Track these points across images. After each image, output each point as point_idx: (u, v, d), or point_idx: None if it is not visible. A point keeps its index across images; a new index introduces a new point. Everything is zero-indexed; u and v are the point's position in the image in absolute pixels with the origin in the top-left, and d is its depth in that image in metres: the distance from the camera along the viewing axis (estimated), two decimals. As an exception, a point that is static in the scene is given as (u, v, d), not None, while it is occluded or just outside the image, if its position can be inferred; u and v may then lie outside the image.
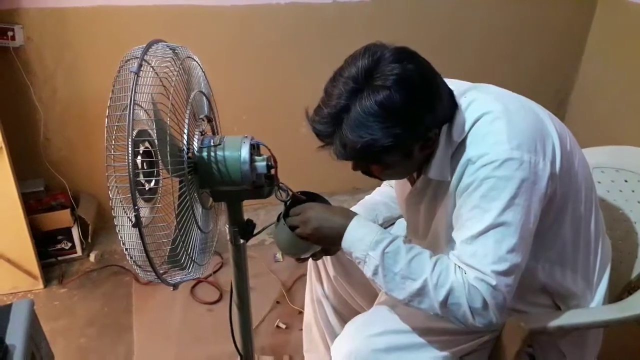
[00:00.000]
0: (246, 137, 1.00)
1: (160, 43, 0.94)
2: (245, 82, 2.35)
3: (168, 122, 0.89)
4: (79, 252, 2.23)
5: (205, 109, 1.10)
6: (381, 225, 1.32)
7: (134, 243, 0.87)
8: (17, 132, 2.03)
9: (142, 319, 1.93)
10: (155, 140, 0.89)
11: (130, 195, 0.81)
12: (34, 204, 2.10)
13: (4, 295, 2.04)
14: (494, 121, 0.95)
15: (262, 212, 2.49)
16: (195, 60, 1.07)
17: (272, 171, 1.02)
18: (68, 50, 2.08)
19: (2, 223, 1.92)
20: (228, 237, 1.16)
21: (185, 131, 0.94)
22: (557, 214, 1.01)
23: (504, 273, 0.91)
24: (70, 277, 2.14)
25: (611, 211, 1.33)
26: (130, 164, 0.80)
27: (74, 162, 2.27)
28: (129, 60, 0.89)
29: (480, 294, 0.91)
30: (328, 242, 1.05)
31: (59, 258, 2.19)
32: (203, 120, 1.07)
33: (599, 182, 1.35)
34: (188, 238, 0.95)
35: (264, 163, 1.00)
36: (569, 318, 1.08)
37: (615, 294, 1.26)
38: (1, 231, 1.93)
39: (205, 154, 0.98)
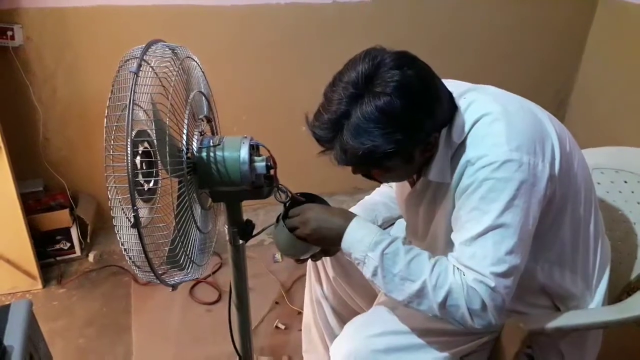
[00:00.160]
0: (245, 137, 1.00)
1: (159, 43, 0.94)
2: (244, 83, 2.35)
3: (167, 122, 0.89)
4: (78, 252, 2.23)
5: (205, 109, 1.10)
6: (381, 225, 1.32)
7: (133, 243, 0.87)
8: (17, 132, 2.03)
9: (141, 320, 1.92)
10: (155, 141, 0.89)
11: (129, 195, 0.81)
12: (33, 204, 2.10)
13: (2, 295, 2.03)
14: (493, 122, 0.95)
15: (262, 212, 2.49)
16: (194, 60, 1.07)
17: (272, 172, 1.02)
18: (67, 50, 2.08)
19: (1, 223, 1.92)
20: (227, 238, 1.15)
21: (185, 131, 0.94)
22: (556, 215, 1.01)
23: (503, 275, 0.91)
24: (69, 277, 2.14)
25: (610, 212, 1.33)
26: (129, 164, 0.80)
27: (73, 162, 2.27)
28: (128, 60, 0.88)
29: (478, 295, 0.91)
30: (327, 243, 1.05)
31: (58, 258, 2.19)
32: (202, 121, 1.07)
33: (599, 183, 1.35)
34: (187, 238, 0.95)
35: (264, 163, 1.00)
36: (568, 319, 1.08)
37: (615, 295, 1.26)
38: (0, 231, 1.93)
39: (204, 154, 0.98)
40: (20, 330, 1.19)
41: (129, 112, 0.79)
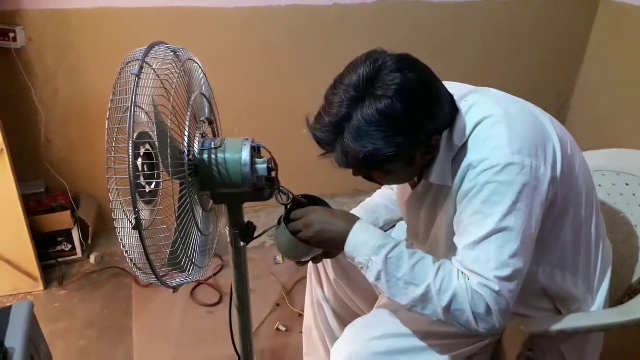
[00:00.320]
0: (247, 139, 1.00)
1: (161, 45, 0.94)
2: (246, 84, 2.35)
3: (169, 124, 0.89)
4: (79, 254, 2.23)
5: (206, 111, 1.10)
6: (382, 228, 1.32)
7: (134, 245, 0.87)
8: (18, 133, 2.04)
9: (142, 321, 1.92)
10: (156, 143, 0.89)
11: (130, 197, 0.81)
12: (34, 206, 2.10)
13: (3, 297, 2.03)
14: (494, 125, 0.95)
15: (263, 214, 2.49)
16: (196, 62, 1.07)
17: (273, 174, 1.02)
18: (69, 51, 2.08)
19: (2, 224, 1.92)
20: (228, 240, 1.15)
21: (186, 133, 0.94)
22: (557, 217, 1.01)
23: (507, 279, 0.91)
24: (70, 279, 2.14)
25: (612, 214, 1.33)
26: (131, 166, 0.80)
27: (74, 164, 2.27)
28: (130, 62, 0.89)
29: (483, 299, 0.91)
30: (330, 246, 1.05)
31: (59, 260, 2.19)
32: (204, 123, 1.07)
33: (600, 186, 1.35)
34: (188, 240, 0.95)
35: (265, 165, 1.00)
36: (569, 322, 1.08)
37: (616, 298, 1.26)
38: (1, 232, 1.93)
39: (206, 156, 0.98)
40: (22, 332, 1.19)
41: (130, 114, 0.79)
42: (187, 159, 0.94)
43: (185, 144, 0.94)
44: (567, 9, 2.59)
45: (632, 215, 1.31)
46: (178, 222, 0.91)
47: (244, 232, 1.13)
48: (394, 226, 1.38)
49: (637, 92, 2.40)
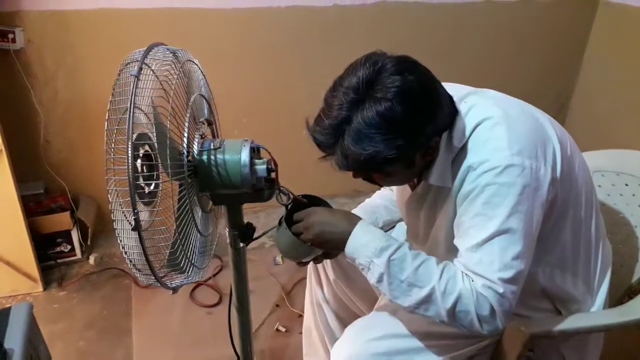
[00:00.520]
0: (246, 140, 1.00)
1: (160, 46, 0.94)
2: (245, 85, 2.35)
3: (168, 125, 0.89)
4: (79, 255, 2.23)
5: (206, 112, 1.10)
6: (381, 228, 1.32)
7: (134, 246, 0.87)
8: (17, 134, 2.03)
9: (142, 322, 1.92)
10: (155, 144, 0.89)
11: (130, 198, 0.81)
12: (33, 207, 2.10)
13: (3, 298, 2.03)
14: (494, 127, 0.95)
15: (263, 215, 2.49)
16: (195, 63, 1.07)
17: (273, 174, 1.02)
18: (68, 52, 2.08)
19: (1, 225, 1.91)
20: (228, 241, 1.15)
21: (185, 134, 0.94)
22: (557, 218, 1.01)
23: (510, 280, 0.91)
24: (69, 279, 2.14)
25: (612, 215, 1.33)
26: (130, 167, 0.80)
27: (74, 165, 2.27)
28: (129, 63, 0.88)
29: (488, 301, 0.91)
30: (331, 247, 1.05)
31: (59, 261, 2.18)
32: (203, 124, 1.07)
33: (600, 186, 1.35)
34: (188, 241, 0.95)
35: (264, 166, 1.00)
36: (569, 322, 1.08)
37: (616, 298, 1.26)
38: (0, 233, 1.93)
39: (205, 157, 0.98)
40: (21, 333, 1.19)
41: (129, 115, 0.79)
42: (186, 160, 0.94)
43: (185, 145, 0.94)
44: (567, 10, 2.59)
45: (631, 215, 1.31)
46: (177, 223, 0.91)
47: (244, 233, 1.13)
48: (394, 227, 1.38)
49: (636, 93, 2.40)
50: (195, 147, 0.98)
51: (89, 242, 2.28)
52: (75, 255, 2.22)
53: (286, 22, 2.28)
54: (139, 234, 0.82)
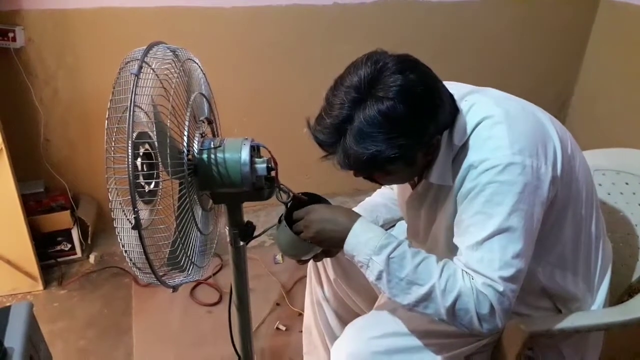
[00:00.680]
0: (246, 139, 1.00)
1: (160, 45, 0.94)
2: (245, 84, 2.35)
3: (168, 124, 0.89)
4: (79, 254, 2.23)
5: (206, 110, 1.10)
6: (381, 227, 1.32)
7: (134, 245, 0.86)
8: (18, 133, 2.03)
9: (142, 321, 1.92)
10: (155, 142, 0.88)
11: (130, 197, 0.81)
12: (33, 205, 2.10)
13: (3, 296, 2.03)
14: (494, 125, 0.95)
15: (263, 213, 2.49)
16: (195, 62, 1.07)
17: (273, 173, 1.02)
18: (69, 51, 2.08)
19: (1, 224, 1.92)
20: (228, 239, 1.15)
21: (186, 133, 0.94)
22: (557, 216, 1.01)
23: (510, 279, 0.91)
24: (69, 278, 2.14)
25: (612, 214, 1.33)
26: (130, 166, 0.80)
27: (74, 164, 2.27)
28: (129, 62, 0.88)
29: (488, 299, 0.91)
30: (330, 245, 1.05)
31: (59, 259, 2.19)
32: (203, 122, 1.06)
33: (600, 185, 1.35)
34: (188, 240, 0.95)
35: (264, 165, 1.00)
36: (570, 321, 1.08)
37: (616, 297, 1.26)
38: (1, 232, 1.93)
39: (205, 156, 0.98)
40: (21, 332, 1.19)
41: (129, 114, 0.79)
42: (186, 158, 0.94)
43: (185, 144, 0.94)
44: (568, 8, 2.58)
45: (632, 214, 1.31)
46: (177, 221, 0.91)
47: (244, 231, 1.13)
48: (394, 225, 1.38)
49: (637, 92, 2.40)
50: (196, 146, 0.98)
51: (89, 241, 2.28)
52: (75, 254, 2.22)
53: (286, 20, 2.27)
54: (139, 233, 0.82)
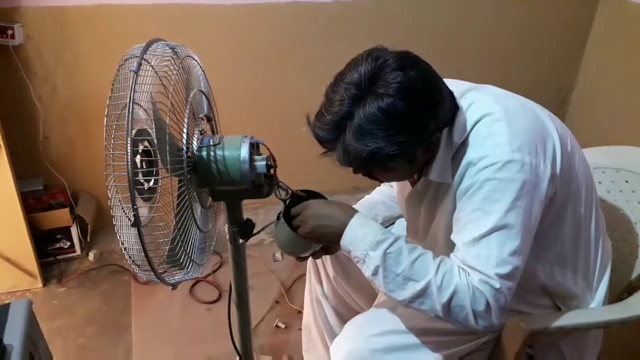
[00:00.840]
0: (246, 136, 1.00)
1: (159, 42, 0.94)
2: (245, 81, 2.35)
3: (167, 121, 0.89)
4: (78, 251, 2.22)
5: (205, 108, 1.10)
6: (381, 224, 1.32)
7: (133, 242, 0.86)
8: (16, 130, 2.03)
9: (141, 319, 1.92)
10: (155, 140, 0.88)
11: (129, 194, 0.81)
12: (33, 203, 2.10)
13: (2, 294, 2.03)
14: (494, 123, 0.95)
15: (262, 211, 2.48)
16: (194, 59, 1.06)
17: (272, 171, 1.02)
18: (68, 48, 2.07)
19: (1, 222, 1.91)
20: (227, 237, 1.15)
21: (185, 130, 0.94)
22: (557, 214, 1.01)
23: (507, 276, 0.91)
24: (69, 276, 2.14)
25: (611, 212, 1.33)
26: (130, 163, 0.80)
27: (73, 161, 2.27)
28: (128, 59, 0.88)
29: (484, 296, 0.91)
30: (328, 240, 1.04)
31: (58, 257, 2.18)
32: (202, 120, 1.06)
33: (600, 183, 1.35)
34: (187, 237, 0.95)
35: (264, 162, 1.00)
36: (569, 319, 1.08)
37: (615, 295, 1.26)
38: (0, 230, 1.93)
39: (204, 153, 0.98)
40: (20, 329, 1.19)
41: (129, 111, 0.79)
42: (185, 156, 0.94)
43: (184, 141, 0.94)
44: (567, 7, 2.58)
45: (631, 212, 1.31)
46: (177, 219, 0.91)
47: (243, 229, 1.13)
48: (393, 223, 1.38)
49: (636, 90, 2.40)
50: (195, 143, 0.98)
51: (88, 239, 2.27)
52: (74, 251, 2.22)
53: (286, 17, 2.27)
54: (139, 230, 0.82)
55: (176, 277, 0.98)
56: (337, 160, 0.94)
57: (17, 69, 2.01)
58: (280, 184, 1.05)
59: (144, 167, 0.92)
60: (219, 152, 0.98)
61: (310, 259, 1.40)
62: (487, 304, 0.91)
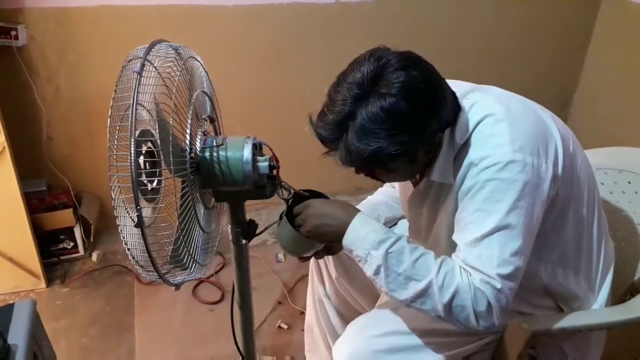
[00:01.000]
0: (249, 137, 1.00)
1: (163, 43, 0.94)
2: (247, 82, 2.35)
3: (171, 122, 0.89)
4: (81, 252, 2.23)
5: (208, 109, 1.10)
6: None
7: (136, 243, 0.87)
8: (20, 131, 2.04)
9: (144, 319, 1.93)
10: (158, 141, 0.89)
11: (132, 195, 0.81)
12: (36, 204, 2.11)
13: (6, 294, 2.04)
14: (496, 123, 0.95)
15: (265, 212, 2.49)
16: (197, 60, 1.07)
17: (275, 171, 1.02)
18: (71, 49, 2.08)
19: (4, 222, 1.92)
20: (230, 238, 1.15)
21: (188, 131, 0.94)
22: (559, 215, 1.01)
23: (508, 276, 0.91)
24: (72, 276, 2.14)
25: (614, 213, 1.33)
26: (133, 164, 0.80)
27: (76, 162, 2.28)
28: (131, 60, 0.88)
29: (485, 296, 0.91)
30: (329, 239, 1.04)
31: (61, 257, 2.19)
32: (205, 121, 1.07)
33: (602, 184, 1.34)
34: (190, 238, 0.95)
35: (267, 163, 1.00)
36: (572, 320, 1.08)
37: (618, 296, 1.26)
38: (4, 230, 1.94)
39: (207, 154, 0.98)
40: (25, 329, 1.19)
41: (132, 112, 0.79)
42: (188, 156, 0.94)
43: (187, 142, 0.94)
44: (569, 7, 2.58)
45: (634, 213, 1.31)
46: (180, 219, 0.91)
47: (246, 229, 1.13)
48: (396, 224, 1.38)
49: (639, 91, 2.40)
50: (198, 144, 0.98)
51: (91, 239, 2.28)
52: (78, 252, 2.22)
53: (288, 18, 2.27)
54: (142, 231, 0.82)
55: (179, 278, 0.98)
56: (340, 160, 0.94)
57: (21, 69, 2.02)
58: (283, 184, 1.05)
59: (147, 167, 0.92)
60: (221, 153, 0.98)
61: (312, 260, 1.41)
62: (489, 304, 0.91)
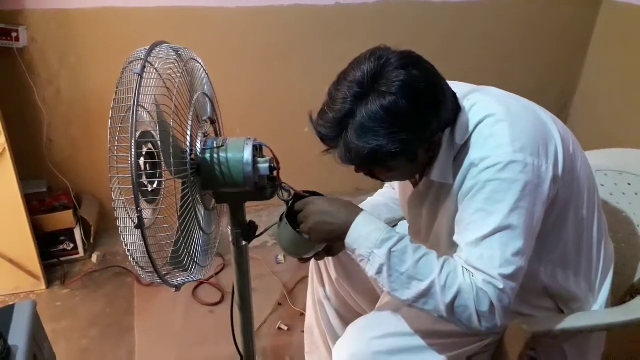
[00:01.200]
0: (249, 138, 1.00)
1: (163, 45, 0.95)
2: (248, 84, 2.35)
3: (171, 123, 0.89)
4: (82, 253, 2.23)
5: (209, 110, 1.10)
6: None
7: (137, 244, 0.87)
8: (20, 132, 2.04)
9: (144, 320, 1.93)
10: (158, 142, 0.89)
11: (133, 196, 0.81)
12: (36, 205, 2.11)
13: (6, 295, 2.04)
14: (496, 124, 0.95)
15: (265, 213, 2.49)
16: (198, 61, 1.07)
17: (275, 173, 1.02)
18: (72, 51, 2.08)
19: (4, 224, 1.92)
20: (230, 239, 1.15)
21: (188, 133, 0.94)
22: (559, 216, 1.01)
23: (510, 277, 0.91)
24: (72, 278, 2.14)
25: (614, 214, 1.33)
26: (133, 166, 0.81)
27: (77, 163, 2.28)
28: (132, 61, 0.89)
29: (488, 297, 0.91)
30: (329, 237, 1.04)
31: (62, 259, 2.19)
32: (206, 122, 1.07)
33: (602, 185, 1.34)
34: (190, 239, 0.95)
35: (267, 165, 1.00)
36: (572, 321, 1.07)
37: (618, 297, 1.26)
38: (4, 232, 1.94)
39: (208, 155, 0.98)
40: (25, 331, 1.19)
41: (133, 114, 0.80)
42: (189, 158, 0.94)
43: (188, 143, 0.94)
44: (569, 8, 2.58)
45: (634, 214, 1.31)
46: (180, 221, 0.91)
47: (246, 231, 1.13)
48: (396, 225, 1.38)
49: (639, 92, 2.40)
50: (198, 146, 0.98)
51: (91, 241, 2.28)
52: (78, 253, 2.23)
53: (288, 20, 2.28)
54: (142, 232, 0.82)
55: (179, 279, 0.98)
56: (339, 158, 0.94)
57: (22, 71, 2.03)
58: (284, 185, 1.05)
59: (148, 169, 0.92)
60: (222, 155, 0.98)
61: (312, 261, 1.41)
62: (491, 304, 0.91)
